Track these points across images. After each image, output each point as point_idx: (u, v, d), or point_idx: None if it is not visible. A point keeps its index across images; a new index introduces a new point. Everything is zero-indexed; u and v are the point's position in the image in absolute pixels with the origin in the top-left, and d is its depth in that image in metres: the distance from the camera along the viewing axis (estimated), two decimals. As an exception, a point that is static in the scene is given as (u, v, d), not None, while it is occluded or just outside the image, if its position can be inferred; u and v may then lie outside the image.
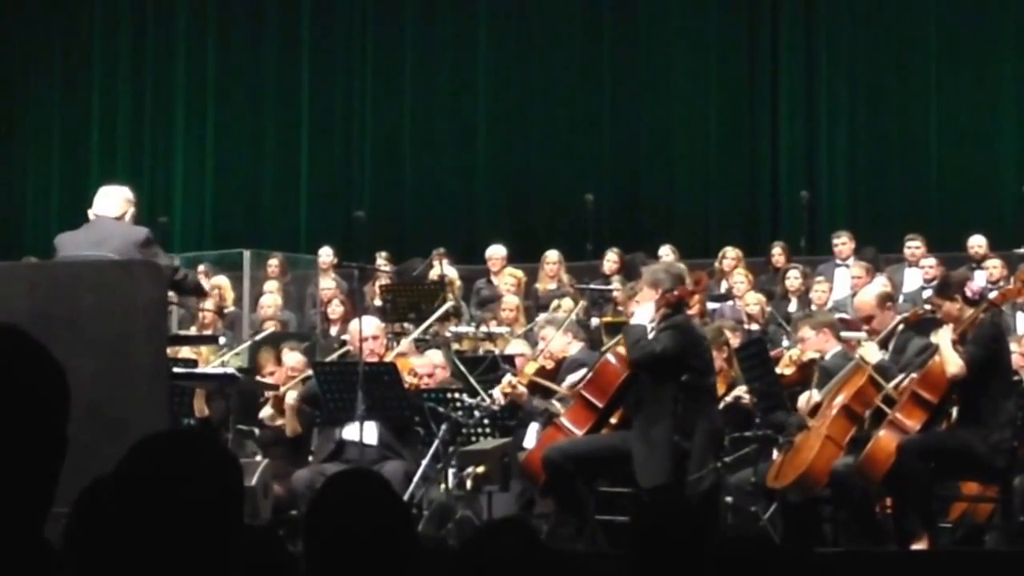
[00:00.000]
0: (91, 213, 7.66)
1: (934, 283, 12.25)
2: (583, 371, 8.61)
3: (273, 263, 14.46)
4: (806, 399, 8.41)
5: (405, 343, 10.24)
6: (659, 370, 7.82)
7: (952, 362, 7.59)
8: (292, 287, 14.55)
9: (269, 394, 9.93)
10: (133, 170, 17.66)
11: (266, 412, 9.96)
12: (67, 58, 18.56)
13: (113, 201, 7.64)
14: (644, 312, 7.97)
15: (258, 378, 10.31)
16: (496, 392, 9.42)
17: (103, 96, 18.43)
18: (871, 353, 8.11)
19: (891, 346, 8.25)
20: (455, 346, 11.66)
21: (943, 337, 7.69)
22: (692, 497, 7.53)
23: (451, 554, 3.13)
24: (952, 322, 7.75)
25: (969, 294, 7.82)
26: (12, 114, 18.69)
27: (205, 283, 11.86)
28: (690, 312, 8.98)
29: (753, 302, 12.41)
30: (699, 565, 3.67)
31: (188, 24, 18.38)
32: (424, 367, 9.71)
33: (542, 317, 11.45)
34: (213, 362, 10.74)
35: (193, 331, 11.19)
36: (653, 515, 3.96)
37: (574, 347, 9.49)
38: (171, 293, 7.98)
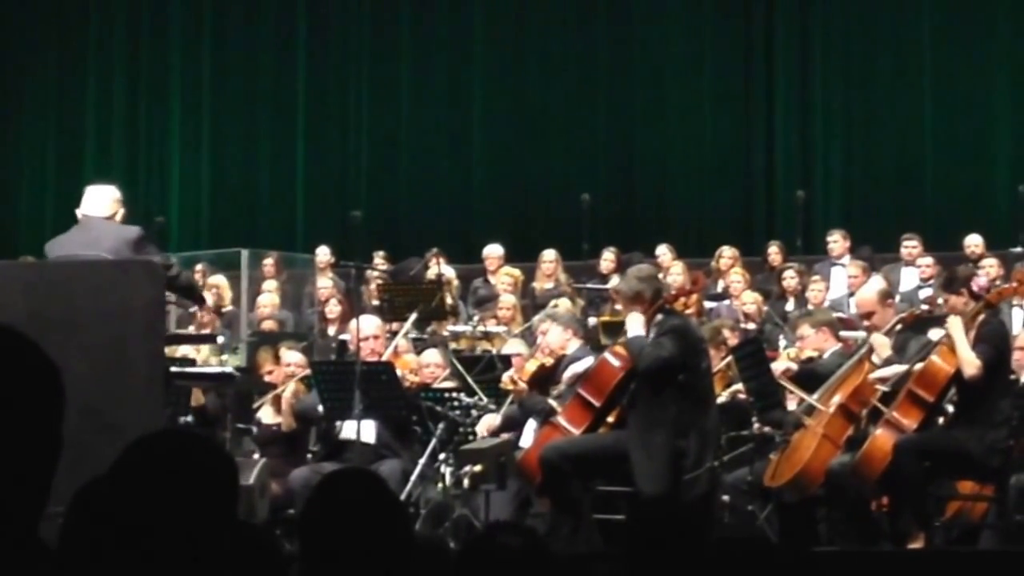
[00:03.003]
0: (79, 213, 7.58)
1: (931, 282, 12.27)
2: (588, 359, 8.59)
3: (268, 262, 14.41)
4: (797, 400, 8.41)
5: (398, 341, 10.24)
6: (666, 376, 7.79)
7: (970, 363, 7.57)
8: (289, 286, 14.53)
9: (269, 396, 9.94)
10: (129, 169, 17.67)
11: (264, 411, 9.95)
12: (62, 57, 18.54)
13: (102, 201, 7.57)
14: (637, 323, 7.95)
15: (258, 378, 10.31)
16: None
17: (98, 95, 18.41)
18: (884, 346, 8.08)
19: (890, 345, 8.24)
20: (452, 345, 11.65)
21: (958, 336, 7.64)
22: (688, 497, 7.52)
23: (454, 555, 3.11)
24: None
25: (976, 289, 7.81)
26: (7, 113, 18.65)
27: (201, 281, 11.82)
28: (688, 311, 8.96)
29: (750, 301, 12.40)
30: (695, 566, 3.66)
31: (183, 23, 18.37)
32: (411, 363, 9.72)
33: (539, 315, 11.43)
34: (226, 361, 10.73)
35: (191, 330, 11.15)
36: (649, 516, 3.95)
37: (573, 344, 9.46)
38: (169, 293, 7.91)
